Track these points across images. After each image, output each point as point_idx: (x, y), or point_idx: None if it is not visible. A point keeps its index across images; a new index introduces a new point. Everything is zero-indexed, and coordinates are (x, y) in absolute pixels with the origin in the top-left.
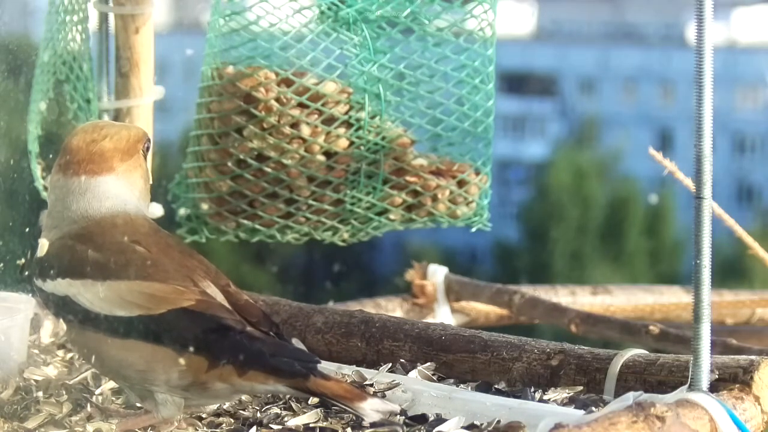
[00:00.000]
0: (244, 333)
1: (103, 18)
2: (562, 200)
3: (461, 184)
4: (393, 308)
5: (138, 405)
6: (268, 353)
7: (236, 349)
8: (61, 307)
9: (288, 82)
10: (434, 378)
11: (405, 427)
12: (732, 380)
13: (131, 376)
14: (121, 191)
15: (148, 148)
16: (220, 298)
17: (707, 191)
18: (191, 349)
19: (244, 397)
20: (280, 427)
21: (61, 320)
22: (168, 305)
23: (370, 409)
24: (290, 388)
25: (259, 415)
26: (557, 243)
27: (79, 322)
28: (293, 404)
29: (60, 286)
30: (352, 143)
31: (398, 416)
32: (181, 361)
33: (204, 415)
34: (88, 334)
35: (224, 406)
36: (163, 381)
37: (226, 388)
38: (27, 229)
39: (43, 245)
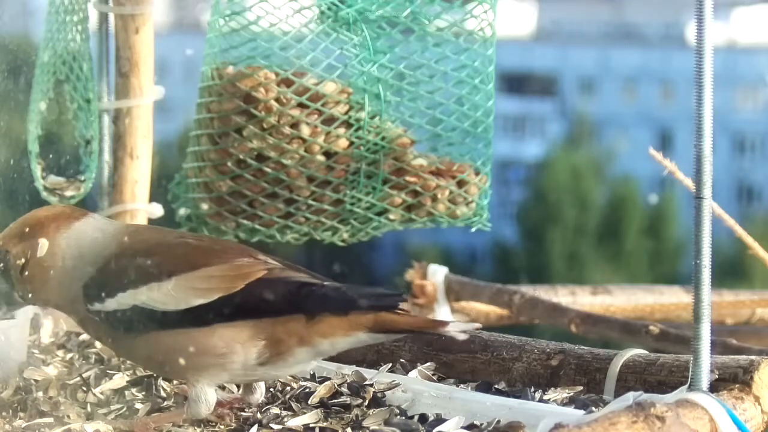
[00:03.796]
0: (326, 286)
1: (103, 18)
2: (561, 200)
3: (461, 184)
4: None
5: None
6: (356, 296)
7: (326, 300)
8: (129, 319)
9: (288, 82)
10: (434, 378)
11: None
12: (732, 380)
13: (206, 366)
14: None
15: None
16: (279, 265)
17: (707, 191)
18: (282, 311)
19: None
20: (280, 427)
21: (121, 336)
22: (244, 280)
23: (456, 330)
24: (372, 333)
25: (259, 415)
26: (556, 243)
27: (154, 327)
28: (293, 404)
29: (124, 299)
30: (351, 143)
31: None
32: (264, 334)
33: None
34: (161, 337)
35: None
36: (241, 363)
37: (306, 353)
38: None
39: (43, 245)
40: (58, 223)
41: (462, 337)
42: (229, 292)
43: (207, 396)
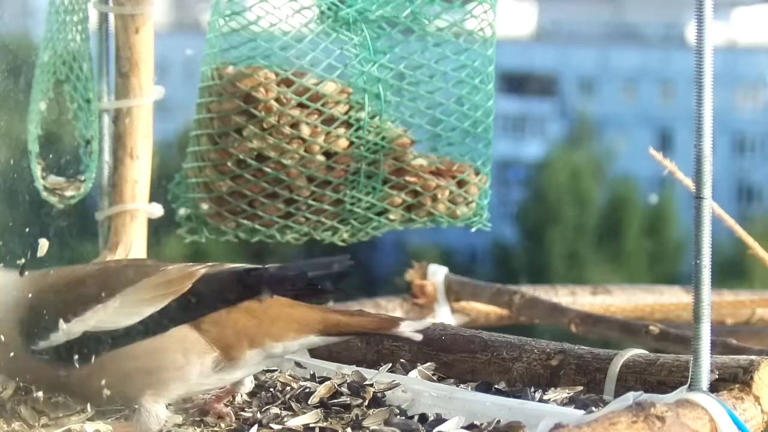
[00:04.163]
0: (268, 268)
1: (103, 18)
2: (561, 200)
3: (461, 184)
4: (393, 308)
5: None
6: (303, 269)
7: (274, 278)
8: (82, 347)
9: (288, 82)
10: (434, 378)
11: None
12: (732, 380)
13: (165, 381)
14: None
15: None
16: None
17: (707, 191)
18: (235, 299)
19: (244, 397)
20: (280, 427)
21: (72, 369)
22: (189, 279)
23: (410, 330)
24: (322, 335)
25: (259, 415)
26: (556, 243)
27: (108, 349)
28: (293, 404)
29: (72, 328)
30: (351, 143)
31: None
32: (217, 339)
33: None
34: (118, 358)
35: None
36: (197, 372)
37: (258, 355)
38: (27, 229)
39: (43, 245)
40: None
41: (417, 337)
42: (180, 293)
43: (156, 410)
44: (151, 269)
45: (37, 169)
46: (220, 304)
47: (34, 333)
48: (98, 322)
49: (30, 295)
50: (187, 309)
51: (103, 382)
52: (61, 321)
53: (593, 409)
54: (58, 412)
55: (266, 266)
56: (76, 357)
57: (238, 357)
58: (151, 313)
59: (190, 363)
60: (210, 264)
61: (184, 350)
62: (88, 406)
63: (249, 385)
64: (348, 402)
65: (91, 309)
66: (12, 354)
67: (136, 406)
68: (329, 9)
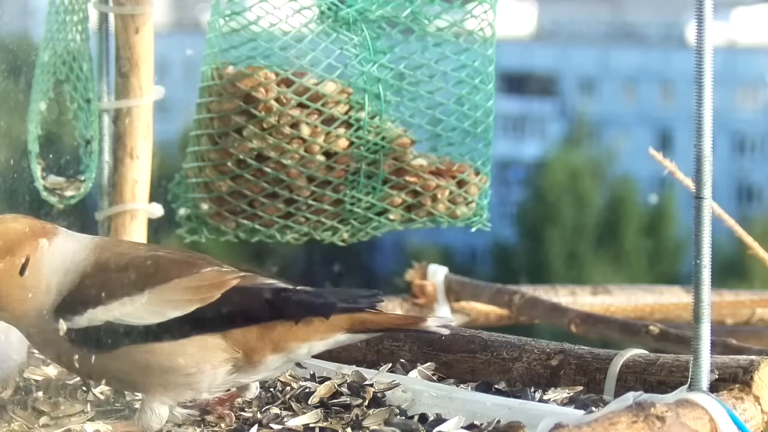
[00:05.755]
0: (299, 291)
1: (103, 18)
2: (561, 200)
3: (461, 184)
4: (393, 308)
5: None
6: (335, 299)
7: (306, 304)
8: (101, 336)
9: (288, 82)
10: (434, 378)
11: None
12: (732, 380)
13: (174, 384)
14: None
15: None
16: (250, 273)
17: (707, 191)
18: (262, 318)
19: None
20: (280, 427)
21: (88, 355)
22: (219, 289)
23: (436, 326)
24: (351, 333)
25: (259, 415)
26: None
27: (126, 342)
28: (293, 404)
29: (96, 315)
30: (351, 143)
31: (414, 418)
32: (239, 345)
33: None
34: (132, 354)
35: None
36: (208, 382)
37: (280, 359)
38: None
39: (43, 245)
40: (37, 238)
41: (444, 331)
42: (206, 302)
43: (159, 410)
44: (186, 269)
45: (37, 169)
46: (243, 322)
47: (65, 309)
48: (122, 314)
49: (86, 269)
50: (211, 320)
51: (117, 373)
52: (88, 306)
53: (593, 409)
54: (58, 413)
55: (298, 288)
56: (93, 344)
57: (259, 361)
58: (176, 316)
59: (203, 372)
60: (243, 273)
61: (199, 359)
62: (88, 406)
63: (254, 391)
64: (348, 402)
65: (118, 300)
66: (46, 319)
67: (137, 406)
68: (329, 9)
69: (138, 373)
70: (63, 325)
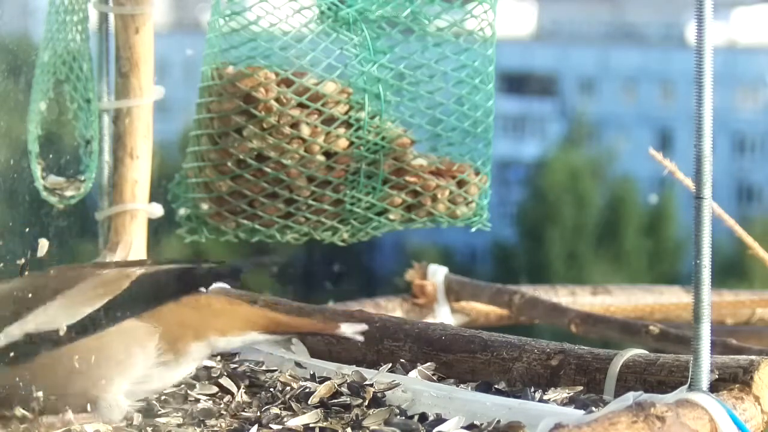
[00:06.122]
0: (202, 266)
1: (103, 18)
2: (561, 200)
3: (461, 184)
4: (393, 308)
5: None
6: (238, 266)
7: (208, 275)
8: (22, 350)
9: (288, 82)
10: (434, 378)
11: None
12: (732, 380)
13: (110, 376)
14: None
15: None
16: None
17: (707, 191)
18: (173, 295)
19: (244, 397)
20: (280, 427)
21: (17, 372)
22: (128, 279)
23: (351, 332)
24: (265, 333)
25: (259, 415)
26: (556, 243)
27: (50, 349)
28: (293, 404)
29: (12, 331)
30: (351, 143)
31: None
32: (160, 329)
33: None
34: (60, 358)
35: (223, 408)
36: (141, 364)
37: (203, 348)
38: (27, 229)
39: (43, 245)
40: None
41: (359, 338)
42: (116, 294)
43: (117, 401)
44: (88, 272)
45: (37, 169)
46: (157, 302)
47: None
48: (38, 324)
49: None
50: (126, 306)
51: (51, 383)
52: (5, 325)
53: (593, 409)
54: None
55: (201, 264)
56: (18, 361)
57: (185, 349)
58: (90, 312)
59: (134, 354)
60: (146, 265)
61: (125, 344)
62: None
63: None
64: (348, 402)
65: (32, 312)
66: None
67: (89, 402)
68: (329, 9)
69: (75, 375)
70: None
